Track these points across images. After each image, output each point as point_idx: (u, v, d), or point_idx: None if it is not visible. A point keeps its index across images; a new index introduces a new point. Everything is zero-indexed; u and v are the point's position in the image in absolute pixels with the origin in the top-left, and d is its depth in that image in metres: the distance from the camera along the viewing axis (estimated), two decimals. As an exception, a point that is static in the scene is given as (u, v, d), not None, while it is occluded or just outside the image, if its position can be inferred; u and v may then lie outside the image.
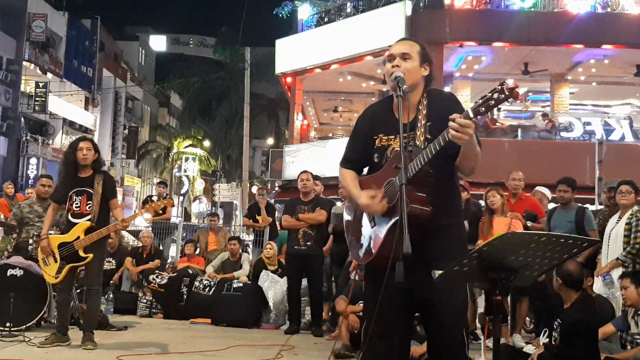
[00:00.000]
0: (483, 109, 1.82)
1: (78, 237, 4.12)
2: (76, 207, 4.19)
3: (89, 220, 4.15)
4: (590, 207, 6.62)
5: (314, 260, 5.44)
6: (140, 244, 7.20)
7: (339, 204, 5.99)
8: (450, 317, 2.03)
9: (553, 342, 3.41)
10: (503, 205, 4.91)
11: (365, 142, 2.20)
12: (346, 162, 2.26)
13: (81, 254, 4.11)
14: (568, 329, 3.24)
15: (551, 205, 5.67)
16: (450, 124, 1.84)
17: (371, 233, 2.07)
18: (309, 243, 5.39)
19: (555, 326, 3.42)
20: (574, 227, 4.73)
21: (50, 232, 4.41)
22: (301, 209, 5.45)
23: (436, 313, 2.03)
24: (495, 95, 1.79)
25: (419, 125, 2.07)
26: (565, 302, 3.40)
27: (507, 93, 1.78)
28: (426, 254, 1.97)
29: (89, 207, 4.16)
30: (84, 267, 4.31)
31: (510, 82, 1.81)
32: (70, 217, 4.22)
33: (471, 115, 1.83)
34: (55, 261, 4.18)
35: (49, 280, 4.26)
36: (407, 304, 2.06)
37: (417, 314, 2.29)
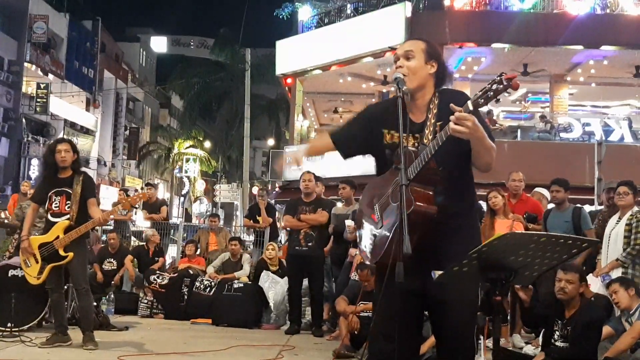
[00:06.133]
0: (482, 100, 1.81)
1: (58, 237, 4.14)
2: (55, 207, 4.22)
3: (67, 219, 4.17)
4: (590, 208, 6.64)
5: (315, 261, 5.44)
6: (143, 243, 7.25)
7: (339, 204, 6.00)
8: (461, 318, 2.01)
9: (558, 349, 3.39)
10: (505, 206, 4.93)
11: (368, 130, 2.14)
12: (333, 133, 2.19)
13: (61, 253, 4.12)
14: (583, 330, 3.24)
15: (550, 206, 5.69)
16: (451, 117, 1.84)
17: (378, 233, 2.05)
18: (310, 244, 5.39)
19: (559, 334, 3.41)
20: (571, 227, 4.75)
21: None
22: (303, 210, 5.44)
23: (447, 314, 2.01)
24: (494, 87, 1.78)
25: (428, 124, 2.05)
26: (572, 306, 3.40)
27: (505, 83, 1.77)
28: (436, 255, 1.95)
29: (68, 207, 4.19)
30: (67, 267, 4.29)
31: (508, 73, 1.79)
32: (50, 216, 4.25)
33: (470, 107, 1.83)
34: (37, 262, 4.18)
35: (31, 282, 4.23)
36: (415, 305, 2.04)
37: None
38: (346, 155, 2.18)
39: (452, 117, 1.83)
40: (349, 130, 2.21)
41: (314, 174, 5.63)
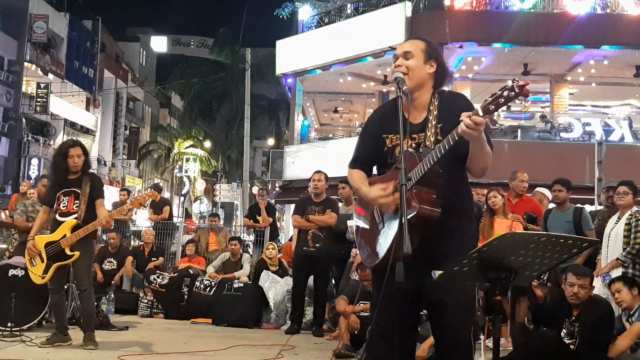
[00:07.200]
0: (493, 106, 1.80)
1: (64, 236, 4.12)
2: (63, 207, 4.21)
3: (75, 218, 4.16)
4: (590, 208, 6.63)
5: (322, 262, 5.41)
6: (142, 243, 7.25)
7: (339, 205, 5.99)
8: (458, 318, 2.02)
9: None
10: (504, 206, 4.93)
11: (375, 142, 2.17)
12: (354, 163, 2.24)
13: (67, 252, 4.11)
14: (594, 327, 3.27)
15: (551, 206, 5.69)
16: (463, 119, 1.84)
17: (380, 235, 2.05)
18: (317, 245, 5.36)
19: (565, 331, 3.41)
20: (572, 227, 4.75)
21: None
22: (311, 210, 5.40)
23: (444, 314, 2.02)
24: (505, 93, 1.78)
25: (429, 125, 2.05)
26: (578, 306, 3.42)
27: (517, 91, 1.76)
28: (435, 255, 1.96)
29: (76, 206, 4.18)
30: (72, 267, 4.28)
31: (520, 80, 1.78)
32: (58, 216, 4.24)
33: (480, 113, 1.83)
34: (42, 261, 4.17)
35: (35, 281, 4.22)
36: (411, 305, 2.05)
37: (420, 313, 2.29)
38: (372, 172, 2.24)
39: (464, 119, 1.83)
40: (363, 154, 2.23)
41: (325, 173, 5.56)
